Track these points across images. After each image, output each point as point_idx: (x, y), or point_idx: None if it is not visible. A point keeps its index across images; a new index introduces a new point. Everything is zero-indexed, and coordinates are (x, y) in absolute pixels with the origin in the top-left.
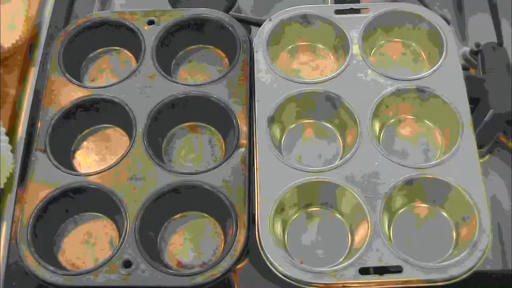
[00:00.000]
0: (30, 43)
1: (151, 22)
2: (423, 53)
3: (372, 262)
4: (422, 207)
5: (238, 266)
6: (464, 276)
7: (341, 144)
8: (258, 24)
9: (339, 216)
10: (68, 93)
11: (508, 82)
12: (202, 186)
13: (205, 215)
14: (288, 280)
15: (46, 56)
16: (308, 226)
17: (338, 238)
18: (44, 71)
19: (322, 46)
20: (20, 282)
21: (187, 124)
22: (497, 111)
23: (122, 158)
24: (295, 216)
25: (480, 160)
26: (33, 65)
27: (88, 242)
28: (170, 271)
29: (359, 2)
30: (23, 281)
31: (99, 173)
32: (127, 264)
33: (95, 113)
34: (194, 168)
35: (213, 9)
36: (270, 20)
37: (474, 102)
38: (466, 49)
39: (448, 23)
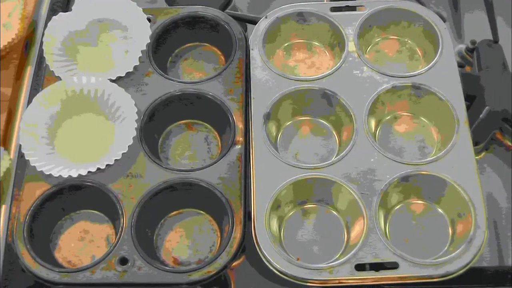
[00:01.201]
0: (26, 42)
1: (147, 20)
2: (418, 50)
3: (368, 258)
4: (418, 204)
5: (234, 263)
6: (460, 272)
7: (337, 141)
8: (254, 21)
9: (335, 213)
10: None
11: (503, 79)
12: (198, 183)
13: (201, 212)
14: (284, 277)
15: (42, 54)
16: (304, 223)
17: (334, 235)
18: (40, 69)
19: (318, 44)
20: (16, 280)
21: (183, 121)
22: (492, 108)
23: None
24: (291, 212)
25: (476, 157)
26: (29, 64)
27: (84, 240)
28: (166, 268)
29: (354, 0)
30: (20, 278)
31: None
32: (123, 261)
33: None
34: (190, 165)
35: (209, 7)
36: (266, 17)
37: (470, 99)
38: (462, 46)
39: (444, 21)
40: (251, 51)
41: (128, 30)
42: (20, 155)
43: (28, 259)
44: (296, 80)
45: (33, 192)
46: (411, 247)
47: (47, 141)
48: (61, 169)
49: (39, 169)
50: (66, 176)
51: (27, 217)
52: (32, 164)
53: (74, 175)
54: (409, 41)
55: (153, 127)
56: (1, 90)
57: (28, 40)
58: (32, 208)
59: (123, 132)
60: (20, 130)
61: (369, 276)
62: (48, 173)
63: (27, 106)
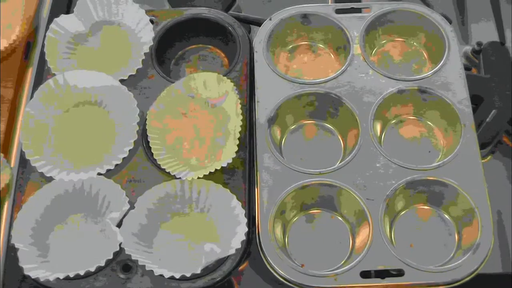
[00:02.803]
0: (27, 44)
1: (150, 22)
2: (424, 53)
3: (374, 265)
4: (424, 209)
5: (238, 269)
6: (467, 279)
7: (342, 145)
8: (258, 23)
9: (340, 219)
10: None
11: (510, 81)
12: None
13: None
14: (289, 284)
15: (44, 56)
16: (308, 229)
17: (339, 241)
18: (42, 71)
19: (322, 46)
20: (18, 285)
21: None
22: (499, 111)
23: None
24: (296, 218)
25: (482, 161)
26: (30, 66)
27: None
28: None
29: (360, 1)
30: (21, 284)
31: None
32: (126, 268)
33: None
34: None
35: (213, 9)
36: (270, 19)
37: (476, 102)
38: (468, 48)
39: (450, 23)
40: (255, 54)
41: (131, 32)
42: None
43: None
44: (300, 84)
45: None
46: (417, 253)
47: (48, 140)
48: (62, 172)
49: (39, 170)
50: (66, 180)
51: None
52: (33, 164)
53: (75, 179)
54: (414, 43)
55: None
56: (2, 92)
57: (31, 41)
58: None
59: (124, 135)
60: (22, 125)
61: (375, 284)
62: (48, 175)
63: None
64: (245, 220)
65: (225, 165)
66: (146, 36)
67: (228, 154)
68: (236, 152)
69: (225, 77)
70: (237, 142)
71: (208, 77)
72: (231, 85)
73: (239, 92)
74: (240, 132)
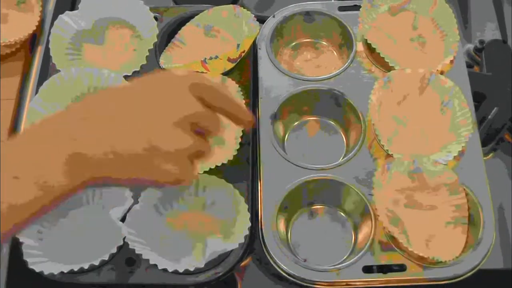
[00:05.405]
0: (32, 38)
1: (154, 19)
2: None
3: (376, 260)
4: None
5: (241, 264)
6: (468, 274)
7: (345, 141)
8: (261, 20)
9: (343, 214)
10: None
11: (511, 79)
12: None
13: None
14: (291, 278)
15: (48, 53)
16: (311, 224)
17: (341, 236)
18: (46, 68)
19: (325, 43)
20: (22, 279)
21: None
22: (501, 108)
23: None
24: (299, 214)
25: (484, 158)
26: (35, 63)
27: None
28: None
29: None
30: (26, 277)
31: None
32: (130, 262)
33: None
34: None
35: (217, 6)
36: (273, 16)
37: (478, 99)
38: (470, 46)
39: None
40: (258, 51)
41: (135, 29)
42: None
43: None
44: (303, 80)
45: None
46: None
47: None
48: None
49: None
50: None
51: None
52: None
53: None
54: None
55: None
56: (7, 89)
57: (36, 37)
58: None
59: None
60: (26, 121)
61: (377, 279)
62: None
63: None
64: (248, 215)
65: (225, 162)
66: (150, 32)
67: (228, 152)
68: (238, 150)
69: (229, 78)
70: (239, 140)
71: (211, 77)
72: (236, 86)
73: (243, 91)
74: (242, 131)
